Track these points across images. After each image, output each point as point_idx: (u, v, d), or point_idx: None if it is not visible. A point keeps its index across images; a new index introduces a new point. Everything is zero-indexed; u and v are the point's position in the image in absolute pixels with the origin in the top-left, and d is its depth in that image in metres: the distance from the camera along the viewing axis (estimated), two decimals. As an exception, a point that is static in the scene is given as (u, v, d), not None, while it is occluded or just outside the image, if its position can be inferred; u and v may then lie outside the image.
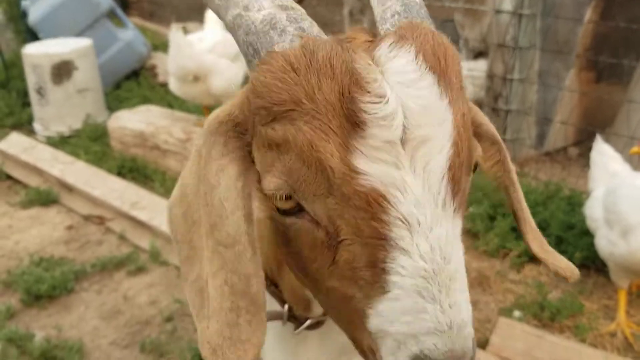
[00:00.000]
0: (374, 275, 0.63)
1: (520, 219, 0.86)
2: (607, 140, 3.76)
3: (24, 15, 4.91)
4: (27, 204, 3.31)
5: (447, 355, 0.61)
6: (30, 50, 4.12)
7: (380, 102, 0.61)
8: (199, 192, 0.72)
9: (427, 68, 0.64)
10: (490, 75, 3.84)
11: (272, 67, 0.63)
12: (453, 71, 0.66)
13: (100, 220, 3.11)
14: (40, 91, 4.11)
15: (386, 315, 0.63)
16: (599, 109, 3.99)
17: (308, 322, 0.98)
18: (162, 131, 3.58)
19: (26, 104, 4.48)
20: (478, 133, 0.81)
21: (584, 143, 4.06)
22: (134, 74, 4.89)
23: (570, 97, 3.71)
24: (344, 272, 0.65)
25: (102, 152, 3.78)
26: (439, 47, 0.66)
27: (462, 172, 0.66)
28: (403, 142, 0.61)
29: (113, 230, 3.02)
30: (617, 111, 3.86)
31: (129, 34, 4.85)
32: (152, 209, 3.01)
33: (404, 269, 0.61)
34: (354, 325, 0.69)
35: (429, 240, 0.62)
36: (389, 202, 0.61)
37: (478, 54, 4.73)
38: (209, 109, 3.76)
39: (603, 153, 2.58)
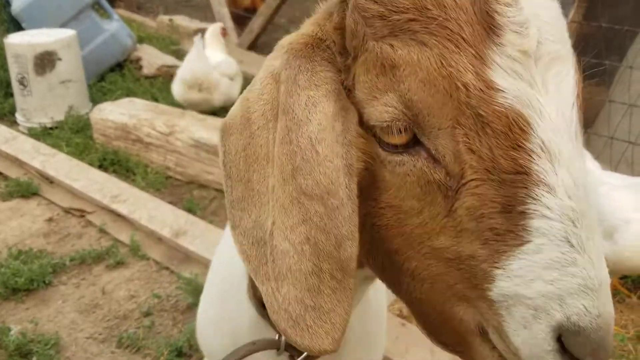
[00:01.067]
0: (510, 222, 0.51)
1: None
2: (588, 140, 3.79)
3: (7, 4, 4.85)
4: (6, 196, 3.28)
5: (598, 322, 0.50)
6: (13, 40, 4.08)
7: (514, 6, 0.52)
8: (273, 125, 0.61)
9: None
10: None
11: None
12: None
13: (81, 213, 3.09)
14: (22, 81, 4.07)
15: (523, 274, 0.51)
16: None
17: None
18: (145, 124, 3.56)
19: (9, 94, 4.43)
20: None
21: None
22: (118, 66, 4.85)
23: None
24: (463, 224, 0.54)
25: (84, 145, 3.75)
26: None
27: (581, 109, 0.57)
28: (535, 57, 0.53)
29: (93, 224, 3.01)
30: (599, 111, 3.90)
31: (114, 25, 4.81)
32: (133, 202, 3.00)
33: (550, 210, 0.50)
34: (462, 299, 0.56)
35: (571, 174, 0.51)
36: (530, 126, 0.51)
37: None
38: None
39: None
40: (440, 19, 0.52)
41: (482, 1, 0.52)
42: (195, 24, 6.24)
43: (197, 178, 3.47)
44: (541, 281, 0.49)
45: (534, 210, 0.50)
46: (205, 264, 2.59)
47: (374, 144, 0.57)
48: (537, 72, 0.52)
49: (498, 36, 0.51)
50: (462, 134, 0.53)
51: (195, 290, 2.47)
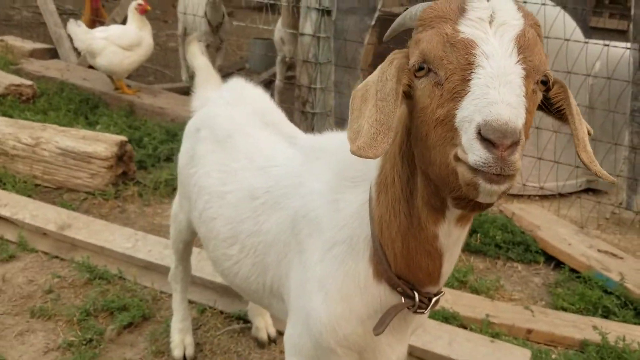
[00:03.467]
0: (463, 85, 0.98)
1: (575, 137, 1.17)
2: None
3: None
4: None
5: (499, 117, 0.91)
6: None
7: (479, 2, 1.05)
8: (375, 80, 1.12)
9: (514, 2, 1.07)
10: (299, 85, 4.75)
11: (428, 6, 1.11)
12: (530, 15, 1.08)
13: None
14: None
15: (465, 106, 0.96)
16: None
17: (437, 297, 1.33)
18: (10, 137, 3.84)
19: None
20: (553, 82, 1.14)
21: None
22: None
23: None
24: (445, 96, 1.00)
25: (-59, 161, 3.88)
26: (522, 5, 1.10)
27: (529, 54, 1.02)
28: (490, 23, 1.02)
29: (-26, 228, 3.27)
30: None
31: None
32: (14, 205, 3.33)
33: (480, 75, 0.97)
34: (449, 144, 0.99)
35: (497, 63, 0.97)
36: (476, 44, 1.00)
37: (290, 67, 5.69)
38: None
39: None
40: (442, 15, 1.07)
41: (462, 2, 1.06)
42: (28, 45, 6.35)
43: (65, 183, 3.85)
44: (472, 105, 0.95)
45: (474, 76, 0.98)
46: (91, 249, 3.07)
47: (413, 77, 1.10)
48: (490, 29, 1.02)
49: (465, 13, 1.04)
50: (445, 55, 1.02)
51: (89, 268, 2.95)
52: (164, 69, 6.91)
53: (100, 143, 3.82)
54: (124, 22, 5.33)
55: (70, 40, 6.07)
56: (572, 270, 3.32)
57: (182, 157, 2.02)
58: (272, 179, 1.63)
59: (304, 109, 4.70)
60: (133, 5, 4.84)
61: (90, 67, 5.63)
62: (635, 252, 3.72)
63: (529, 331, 2.77)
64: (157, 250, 3.02)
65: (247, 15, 5.76)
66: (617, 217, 4.14)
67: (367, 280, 1.32)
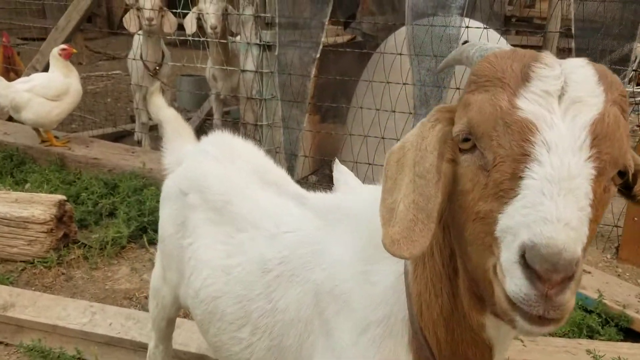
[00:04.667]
0: (512, 183, 0.80)
1: None
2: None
3: None
4: None
5: (550, 243, 0.72)
6: None
7: (548, 68, 0.85)
8: (414, 145, 0.96)
9: (594, 69, 0.87)
10: (244, 123, 4.55)
11: (486, 58, 0.91)
12: (615, 83, 0.87)
13: None
14: None
15: (511, 213, 0.79)
16: (326, 143, 5.03)
17: None
18: None
19: None
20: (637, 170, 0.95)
21: (319, 171, 5.07)
22: None
23: (307, 135, 4.63)
24: (489, 189, 0.84)
25: None
26: (606, 70, 0.89)
27: (606, 145, 0.82)
28: (560, 98, 0.83)
29: None
30: (340, 143, 4.92)
31: None
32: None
33: (536, 174, 0.78)
34: (488, 249, 0.83)
35: (561, 160, 0.78)
36: (537, 129, 0.81)
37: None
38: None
39: (342, 172, 3.41)
40: (500, 77, 0.87)
41: (527, 66, 0.86)
42: None
43: (-3, 254, 3.43)
44: (519, 215, 0.77)
45: (527, 175, 0.79)
46: (42, 330, 2.71)
47: (457, 149, 0.93)
48: (558, 106, 0.82)
49: (529, 81, 0.85)
50: (495, 135, 0.84)
51: (42, 353, 2.59)
52: (87, 114, 6.48)
53: (37, 205, 3.44)
54: (45, 69, 4.93)
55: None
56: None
57: (166, 224, 1.78)
58: (285, 247, 1.44)
59: (250, 147, 4.50)
60: (56, 50, 4.47)
61: (10, 119, 5.16)
62: (598, 264, 3.78)
63: (526, 363, 2.69)
64: (119, 322, 2.71)
65: (172, 52, 5.48)
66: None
67: None
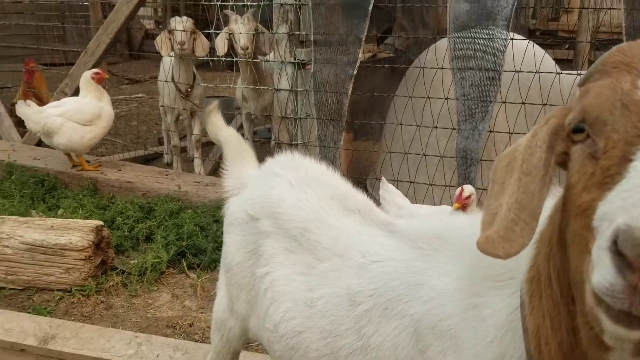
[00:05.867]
0: (620, 167, 0.73)
1: None
2: (372, 183, 4.64)
3: None
4: None
5: None
6: None
7: None
8: (524, 145, 0.90)
9: None
10: (278, 143, 4.45)
11: (619, 47, 0.86)
12: None
13: None
14: None
15: (611, 198, 0.72)
16: (360, 161, 4.91)
17: None
18: (-37, 237, 3.30)
19: None
20: None
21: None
22: None
23: (343, 153, 4.51)
24: (595, 178, 0.77)
25: None
26: None
27: None
28: None
29: None
30: (375, 161, 4.80)
31: None
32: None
33: None
34: (584, 245, 0.76)
35: None
36: None
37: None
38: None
39: (389, 191, 3.29)
40: (629, 62, 0.82)
41: None
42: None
43: (34, 283, 3.32)
44: (619, 199, 0.70)
45: (638, 157, 0.73)
46: (84, 362, 2.58)
47: (570, 142, 0.87)
48: None
49: None
50: (610, 119, 0.78)
51: (87, 388, 2.46)
52: (115, 137, 6.43)
53: (73, 231, 3.34)
54: (74, 93, 4.88)
55: (11, 116, 5.55)
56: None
57: (234, 251, 1.65)
58: (376, 278, 1.31)
59: (285, 167, 4.39)
60: (88, 74, 4.41)
61: (39, 144, 5.10)
62: None
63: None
64: (166, 354, 2.58)
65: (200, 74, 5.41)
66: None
67: None
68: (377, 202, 3.28)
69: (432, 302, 1.18)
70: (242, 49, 4.45)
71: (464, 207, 2.70)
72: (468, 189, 2.71)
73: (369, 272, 1.33)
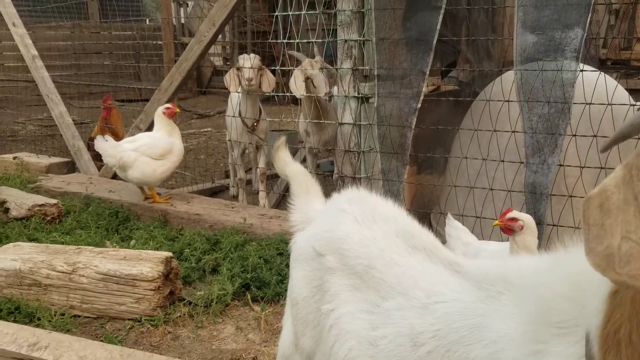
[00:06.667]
0: None
1: None
2: (436, 217, 4.57)
3: None
4: None
5: None
6: None
7: None
8: (620, 180, 0.84)
9: None
10: (341, 177, 4.48)
11: None
12: None
13: (-7, 371, 2.90)
14: None
15: None
16: (423, 194, 4.86)
17: None
18: (43, 266, 3.49)
19: None
20: None
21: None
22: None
23: (407, 187, 4.48)
24: None
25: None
26: None
27: None
28: None
29: (13, 378, 2.84)
30: (438, 194, 4.74)
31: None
32: (56, 346, 2.92)
33: None
34: None
35: None
36: None
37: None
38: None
39: (455, 227, 3.23)
40: None
41: None
42: (44, 160, 6.13)
43: (107, 312, 3.45)
44: None
45: None
46: (153, 391, 2.64)
47: None
48: None
49: None
50: None
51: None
52: (184, 170, 6.67)
53: (144, 262, 3.46)
54: (149, 128, 5.11)
55: (89, 150, 5.87)
56: None
57: (301, 286, 1.67)
58: (439, 319, 1.28)
59: (348, 201, 4.41)
60: (160, 110, 4.63)
61: (114, 177, 5.36)
62: None
63: None
64: (231, 386, 2.60)
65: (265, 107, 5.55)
66: None
67: None
68: (441, 237, 3.25)
69: (493, 345, 1.14)
70: (321, 93, 4.65)
71: (506, 230, 2.66)
72: (515, 213, 2.69)
73: (432, 312, 1.31)
